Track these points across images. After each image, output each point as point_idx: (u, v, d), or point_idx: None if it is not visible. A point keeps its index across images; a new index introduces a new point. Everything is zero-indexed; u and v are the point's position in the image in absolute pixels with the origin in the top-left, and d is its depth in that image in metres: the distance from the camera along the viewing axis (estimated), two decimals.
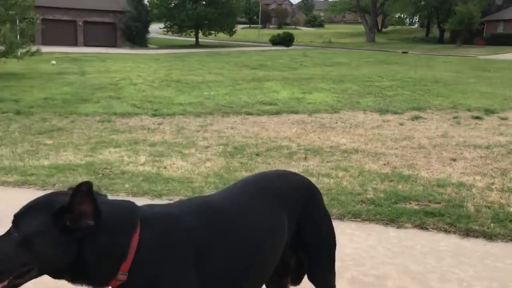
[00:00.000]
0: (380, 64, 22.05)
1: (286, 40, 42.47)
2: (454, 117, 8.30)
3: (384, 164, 5.18)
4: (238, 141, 6.27)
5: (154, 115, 8.34)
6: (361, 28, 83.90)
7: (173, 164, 5.11)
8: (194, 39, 40.72)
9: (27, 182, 4.34)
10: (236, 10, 38.87)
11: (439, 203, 3.85)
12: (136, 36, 35.47)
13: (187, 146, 6.02)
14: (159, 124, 7.68)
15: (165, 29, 38.20)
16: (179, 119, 8.05)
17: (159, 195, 4.00)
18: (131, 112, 8.56)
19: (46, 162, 5.13)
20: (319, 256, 1.85)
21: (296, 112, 8.64)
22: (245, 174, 4.59)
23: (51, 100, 9.65)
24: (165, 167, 4.93)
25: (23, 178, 4.44)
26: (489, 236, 3.25)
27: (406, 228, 3.39)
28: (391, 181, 4.44)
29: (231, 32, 40.03)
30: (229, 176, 4.60)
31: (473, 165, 5.15)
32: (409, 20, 74.58)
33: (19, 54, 13.40)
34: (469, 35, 44.60)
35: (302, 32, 69.43)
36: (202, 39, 41.40)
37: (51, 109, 8.69)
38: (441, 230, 3.35)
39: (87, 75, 14.76)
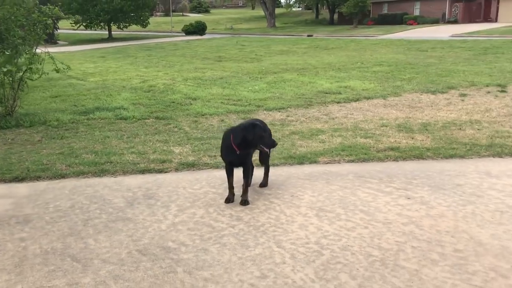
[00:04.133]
0: (324, 50, 23.80)
1: (199, 29, 42.97)
2: (496, 91, 10.15)
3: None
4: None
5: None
6: (250, 12, 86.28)
7: None
8: (106, 32, 39.33)
9: None
10: (150, 1, 38.28)
11: None
12: None
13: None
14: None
15: (74, 24, 36.34)
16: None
17: None
18: None
19: None
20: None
21: (370, 98, 9.83)
22: None
23: None
24: None
25: None
26: None
27: None
28: None
29: (145, 24, 39.39)
30: None
31: None
32: (296, 3, 78.37)
33: None
34: (361, 16, 48.94)
35: (192, 19, 69.45)
36: (114, 32, 40.15)
37: None
38: None
39: None
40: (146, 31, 45.68)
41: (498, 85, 10.69)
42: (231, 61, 19.58)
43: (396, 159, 5.56)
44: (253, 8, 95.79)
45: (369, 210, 3.95)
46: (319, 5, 62.80)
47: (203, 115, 8.76)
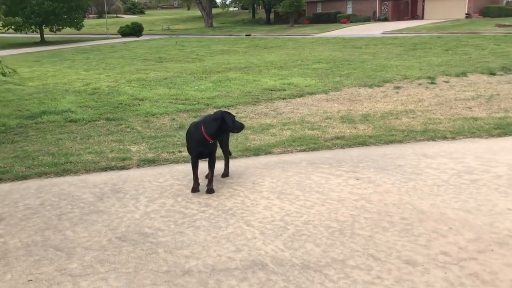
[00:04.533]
0: (264, 49, 24.37)
1: (136, 31, 42.43)
2: (427, 83, 11.03)
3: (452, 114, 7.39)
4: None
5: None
6: (186, 13, 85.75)
7: None
8: (38, 35, 37.95)
9: None
10: (83, 3, 37.32)
11: None
12: None
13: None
14: None
15: (2, 27, 34.72)
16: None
17: None
18: None
19: None
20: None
21: (313, 93, 10.39)
22: None
23: None
24: None
25: None
26: None
27: None
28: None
29: (79, 26, 38.37)
30: None
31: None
32: (232, 3, 78.85)
33: None
34: (297, 15, 50.23)
35: (127, 21, 68.24)
36: (47, 35, 38.82)
37: None
38: None
39: None
40: (81, 34, 44.54)
41: (428, 77, 11.58)
42: (173, 62, 19.64)
43: (342, 146, 6.06)
44: (188, 9, 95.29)
45: (324, 191, 4.39)
46: (255, 5, 63.60)
47: (153, 115, 8.92)
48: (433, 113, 7.92)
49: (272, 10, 56.32)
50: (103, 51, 27.17)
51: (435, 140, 6.18)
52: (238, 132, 4.54)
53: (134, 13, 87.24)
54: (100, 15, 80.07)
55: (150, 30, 51.63)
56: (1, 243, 3.53)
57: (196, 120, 4.66)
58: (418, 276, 2.86)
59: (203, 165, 4.64)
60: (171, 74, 15.07)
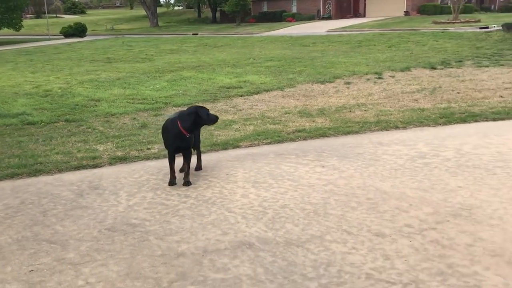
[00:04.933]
0: (214, 48, 24.59)
1: (79, 31, 41.47)
2: (375, 78, 11.69)
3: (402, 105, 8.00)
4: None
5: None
6: (129, 12, 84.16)
7: None
8: None
9: None
10: (22, 3, 36.00)
11: None
12: None
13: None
14: None
15: None
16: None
17: None
18: None
19: None
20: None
21: (269, 90, 10.78)
22: None
23: None
24: None
25: None
26: None
27: None
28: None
29: (18, 27, 36.99)
30: None
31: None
32: (176, 3, 78.26)
33: None
34: (243, 14, 50.67)
35: (67, 21, 66.40)
36: None
37: None
38: None
39: None
40: (20, 35, 42.86)
41: (375, 73, 12.26)
42: (122, 62, 19.47)
43: (305, 138, 6.46)
44: (131, 8, 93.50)
45: (294, 178, 4.75)
46: (200, 4, 63.47)
47: (113, 115, 8.98)
48: (383, 105, 8.49)
49: (218, 9, 56.46)
50: (47, 53, 26.43)
51: (388, 130, 6.70)
52: (213, 124, 4.81)
53: (74, 13, 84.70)
54: (38, 15, 77.19)
55: (93, 30, 50.41)
56: None
57: (171, 116, 4.88)
58: (387, 245, 3.26)
59: (177, 160, 4.87)
60: (124, 75, 15.02)
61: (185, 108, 5.10)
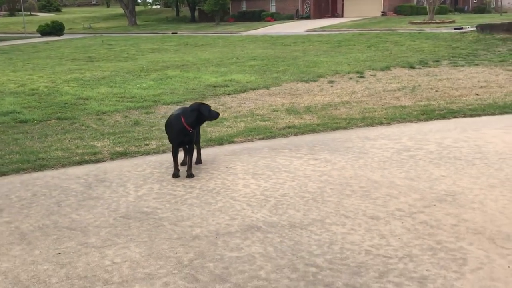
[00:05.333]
0: (195, 47, 24.77)
1: (56, 30, 41.08)
2: (357, 77, 12.14)
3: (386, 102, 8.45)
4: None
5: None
6: (106, 11, 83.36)
7: None
8: None
9: None
10: None
11: None
12: None
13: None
14: None
15: None
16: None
17: None
18: None
19: None
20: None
21: (255, 89, 11.11)
22: None
23: None
24: None
25: None
26: None
27: None
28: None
29: None
30: None
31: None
32: (154, 1, 77.94)
33: None
34: (222, 13, 50.88)
35: (42, 19, 65.55)
36: None
37: None
38: None
39: None
40: None
41: (357, 72, 12.71)
42: (104, 61, 19.53)
43: (296, 134, 6.82)
44: (108, 6, 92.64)
45: (291, 170, 5.10)
46: (178, 3, 63.36)
47: (104, 113, 9.18)
48: (367, 103, 8.91)
49: (197, 8, 56.49)
50: (25, 51, 26.22)
51: (373, 126, 7.11)
52: (214, 119, 5.12)
53: (49, 11, 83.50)
54: (12, 13, 75.86)
55: (70, 29, 49.91)
56: (14, 227, 3.88)
57: (174, 112, 5.17)
58: (382, 226, 3.64)
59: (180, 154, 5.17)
60: (108, 74, 15.15)
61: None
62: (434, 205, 3.98)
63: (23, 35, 41.78)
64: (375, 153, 5.59)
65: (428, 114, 7.55)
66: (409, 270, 2.98)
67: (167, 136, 5.35)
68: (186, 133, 4.87)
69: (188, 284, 2.89)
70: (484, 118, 7.24)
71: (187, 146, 5.04)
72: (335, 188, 4.47)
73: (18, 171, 5.56)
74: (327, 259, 3.16)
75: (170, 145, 6.17)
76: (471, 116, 7.37)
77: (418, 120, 7.27)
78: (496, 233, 3.42)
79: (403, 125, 7.03)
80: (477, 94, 9.13)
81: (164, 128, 5.68)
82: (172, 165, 5.12)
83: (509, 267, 2.97)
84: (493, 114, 7.46)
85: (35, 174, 5.41)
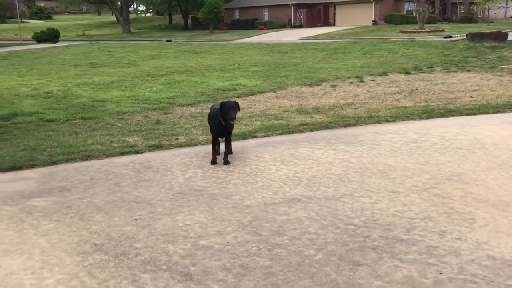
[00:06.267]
0: (194, 54, 25.46)
1: (52, 37, 41.55)
2: (357, 82, 12.94)
3: (386, 104, 9.24)
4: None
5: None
6: (98, 18, 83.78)
7: None
8: None
9: None
10: None
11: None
12: None
13: None
14: None
15: None
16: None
17: None
18: None
19: None
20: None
21: (262, 92, 11.84)
22: None
23: None
24: None
25: None
26: None
27: None
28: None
29: None
30: None
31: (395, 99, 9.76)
32: (147, 10, 78.60)
33: None
34: (216, 21, 51.71)
35: (34, 26, 65.85)
36: None
37: None
38: None
39: None
40: None
41: (357, 77, 13.51)
42: (107, 67, 20.12)
43: (311, 130, 7.55)
44: (99, 14, 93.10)
45: (314, 158, 5.81)
46: (171, 11, 64.10)
47: (124, 113, 9.81)
48: (370, 104, 9.68)
49: (190, 15, 57.29)
50: (25, 58, 26.69)
51: (380, 123, 7.86)
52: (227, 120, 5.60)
53: (40, 18, 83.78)
54: (3, 20, 76.10)
55: (64, 36, 50.41)
56: (87, 202, 4.54)
57: (215, 106, 5.86)
58: (402, 197, 4.37)
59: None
60: (116, 78, 15.76)
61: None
62: (444, 182, 4.72)
63: (19, 41, 42.18)
64: (386, 144, 6.33)
65: (428, 113, 8.33)
66: (430, 227, 3.70)
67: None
68: (222, 126, 5.54)
69: (253, 237, 3.59)
70: (479, 116, 8.04)
71: (225, 137, 5.72)
72: (357, 171, 5.19)
73: (67, 160, 6.19)
74: (362, 220, 3.87)
75: (199, 139, 6.89)
76: (467, 114, 8.17)
77: (420, 118, 8.04)
78: (498, 202, 4.16)
79: (407, 122, 7.79)
80: (471, 97, 9.96)
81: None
82: (210, 154, 5.79)
83: (509, 224, 3.71)
84: (487, 113, 8.26)
85: (84, 163, 6.05)
